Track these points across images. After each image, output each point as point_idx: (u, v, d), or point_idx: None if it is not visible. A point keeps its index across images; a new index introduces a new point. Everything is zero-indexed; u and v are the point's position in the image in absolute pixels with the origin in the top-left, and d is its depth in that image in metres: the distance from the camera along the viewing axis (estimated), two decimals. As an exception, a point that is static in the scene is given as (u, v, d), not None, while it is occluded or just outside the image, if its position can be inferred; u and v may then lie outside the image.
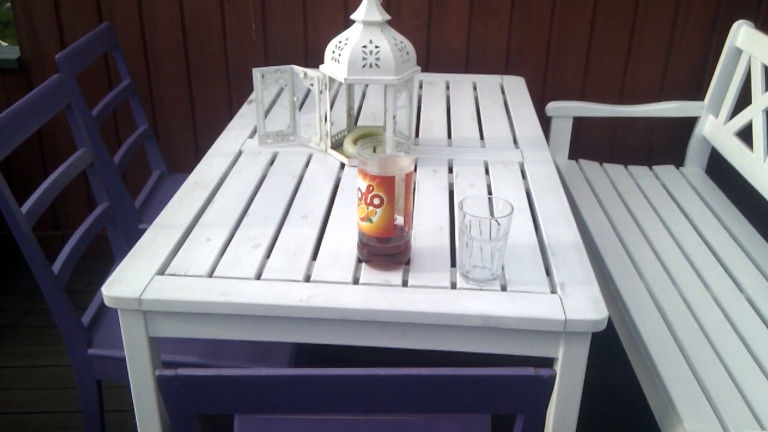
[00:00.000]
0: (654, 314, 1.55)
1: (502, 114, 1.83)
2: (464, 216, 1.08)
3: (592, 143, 2.38)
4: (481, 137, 1.70)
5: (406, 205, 1.12)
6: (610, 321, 1.62)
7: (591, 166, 2.25)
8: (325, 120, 1.54)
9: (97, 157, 1.74)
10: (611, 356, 1.86)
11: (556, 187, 1.44)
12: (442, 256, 1.20)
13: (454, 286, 1.12)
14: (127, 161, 1.86)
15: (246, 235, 1.25)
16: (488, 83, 2.06)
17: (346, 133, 1.63)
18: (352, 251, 1.19)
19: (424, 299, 1.08)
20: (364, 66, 1.43)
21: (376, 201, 1.10)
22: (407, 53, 1.47)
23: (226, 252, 1.20)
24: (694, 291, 1.62)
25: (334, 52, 1.47)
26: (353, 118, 1.65)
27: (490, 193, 1.43)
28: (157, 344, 1.17)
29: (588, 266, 1.17)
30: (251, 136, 1.66)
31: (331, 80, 1.49)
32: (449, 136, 1.70)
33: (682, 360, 1.41)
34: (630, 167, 2.25)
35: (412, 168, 1.11)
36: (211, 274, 1.14)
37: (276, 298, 1.08)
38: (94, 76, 2.25)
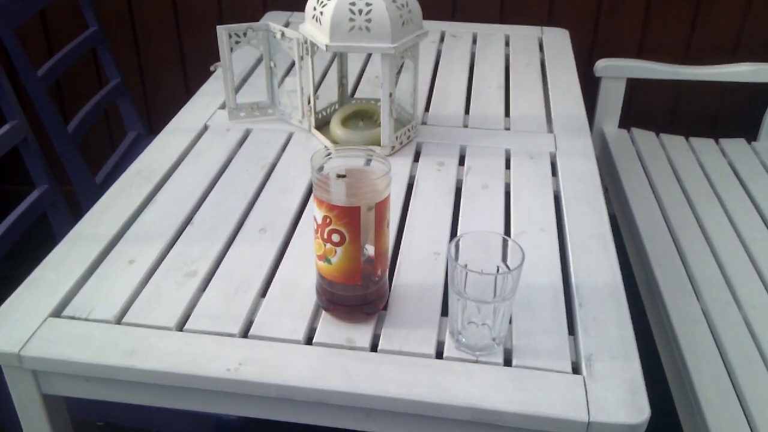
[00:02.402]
0: (712, 354, 1.23)
1: (537, 81, 1.48)
2: (457, 267, 0.78)
3: (648, 109, 2.01)
4: (507, 114, 1.36)
5: (379, 240, 0.81)
6: (657, 359, 1.31)
7: (645, 137, 1.89)
8: (309, 93, 1.23)
9: (48, 127, 1.47)
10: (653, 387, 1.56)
11: (595, 193, 1.11)
12: (431, 299, 0.90)
13: (440, 353, 0.82)
14: (88, 127, 1.58)
15: (181, 256, 0.97)
16: (524, 37, 1.70)
17: (337, 107, 1.32)
18: (312, 287, 0.89)
19: (395, 376, 0.79)
20: (351, 29, 1.10)
21: (336, 238, 0.80)
22: (409, 11, 1.13)
23: (150, 282, 0.92)
24: (763, 316, 1.30)
25: (315, 9, 1.14)
26: (346, 89, 1.33)
27: (507, 196, 1.11)
28: (60, 402, 0.91)
29: (628, 327, 0.86)
30: (223, 106, 1.36)
31: (314, 45, 1.17)
32: (467, 111, 1.37)
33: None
34: (692, 140, 1.88)
35: (388, 192, 0.80)
36: (120, 320, 0.86)
37: (195, 364, 0.80)
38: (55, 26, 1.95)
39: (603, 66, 1.85)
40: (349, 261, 0.81)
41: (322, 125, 1.28)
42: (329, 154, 0.81)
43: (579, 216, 1.06)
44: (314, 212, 0.80)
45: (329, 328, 0.85)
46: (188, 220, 1.05)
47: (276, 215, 1.06)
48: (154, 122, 2.12)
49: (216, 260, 0.97)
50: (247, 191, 1.11)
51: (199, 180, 1.14)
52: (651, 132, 1.91)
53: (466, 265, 0.77)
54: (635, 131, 1.91)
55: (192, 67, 2.06)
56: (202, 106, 1.36)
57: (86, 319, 0.86)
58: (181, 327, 0.85)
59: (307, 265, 0.94)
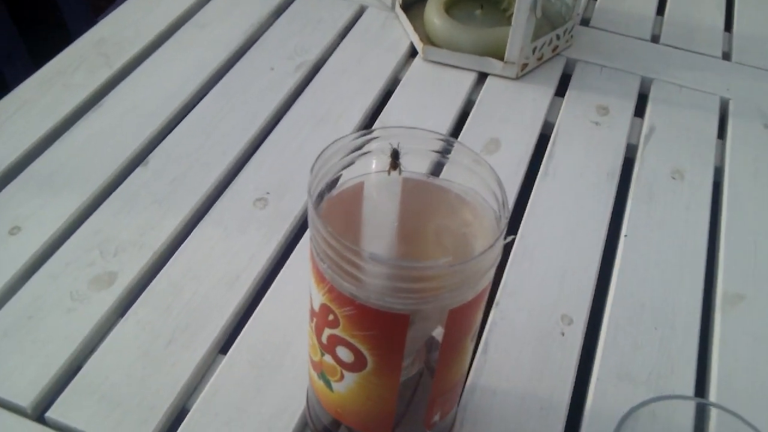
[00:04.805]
0: None
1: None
2: None
3: None
4: (728, 27, 0.80)
5: (446, 370, 0.35)
6: None
7: None
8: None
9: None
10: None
11: None
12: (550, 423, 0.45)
13: None
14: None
15: (101, 235, 0.53)
16: None
17: (444, -26, 0.79)
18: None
19: None
20: None
21: (345, 356, 0.34)
22: None
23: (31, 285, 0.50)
24: None
25: None
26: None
27: (716, 203, 0.60)
28: None
29: None
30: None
31: None
32: (660, 10, 0.82)
33: None
34: None
35: (488, 279, 0.32)
36: (-68, 375, 0.45)
37: None
38: None
39: None
40: (369, 400, 0.35)
41: (414, 4, 0.77)
42: (355, 151, 0.33)
43: None
44: (311, 292, 0.34)
45: (320, 481, 0.41)
46: (141, 156, 0.60)
47: (294, 170, 0.60)
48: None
49: (160, 255, 0.53)
50: (259, 111, 0.65)
51: (186, 75, 0.67)
52: None
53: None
54: None
55: None
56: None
57: None
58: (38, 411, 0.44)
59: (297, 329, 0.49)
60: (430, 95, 0.68)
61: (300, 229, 0.56)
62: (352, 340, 0.32)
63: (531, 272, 0.54)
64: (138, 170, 0.58)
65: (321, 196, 0.33)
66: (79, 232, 0.53)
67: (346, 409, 0.37)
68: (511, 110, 0.67)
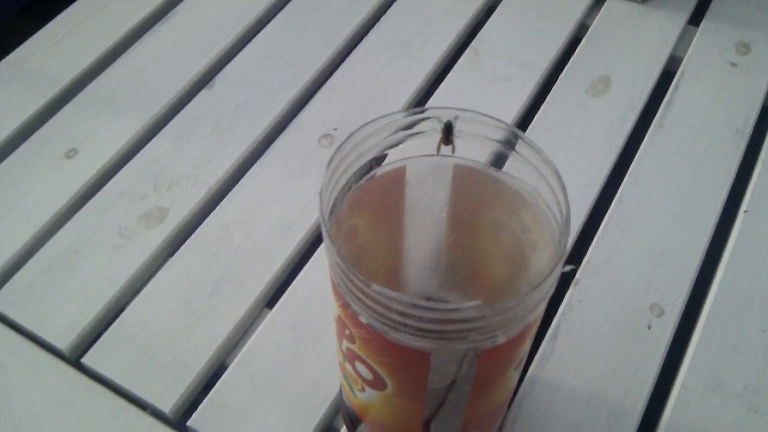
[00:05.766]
0: None
1: None
2: None
3: None
4: None
5: (477, 402, 0.30)
6: None
7: None
8: None
9: None
10: None
11: None
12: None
13: None
14: None
15: (156, 164, 0.50)
16: None
17: None
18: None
19: None
20: None
21: (365, 372, 0.29)
22: None
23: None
24: None
25: None
26: None
27: None
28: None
29: None
30: None
31: None
32: None
33: None
34: None
35: (539, 313, 0.26)
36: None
37: None
38: None
39: None
40: (392, 417, 0.31)
41: None
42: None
43: None
44: (334, 305, 0.29)
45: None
46: (208, 77, 0.56)
47: (366, 104, 0.54)
48: None
49: (215, 194, 0.49)
50: (335, 33, 0.58)
51: (241, 5, 0.61)
52: None
53: None
54: None
55: None
56: None
57: None
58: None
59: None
60: (535, 17, 0.59)
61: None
62: (369, 361, 0.28)
63: (622, 247, 0.47)
64: (202, 93, 0.54)
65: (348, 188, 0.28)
66: (135, 160, 0.51)
67: (369, 417, 0.33)
68: (631, 41, 0.57)
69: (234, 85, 0.55)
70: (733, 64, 0.56)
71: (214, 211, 0.48)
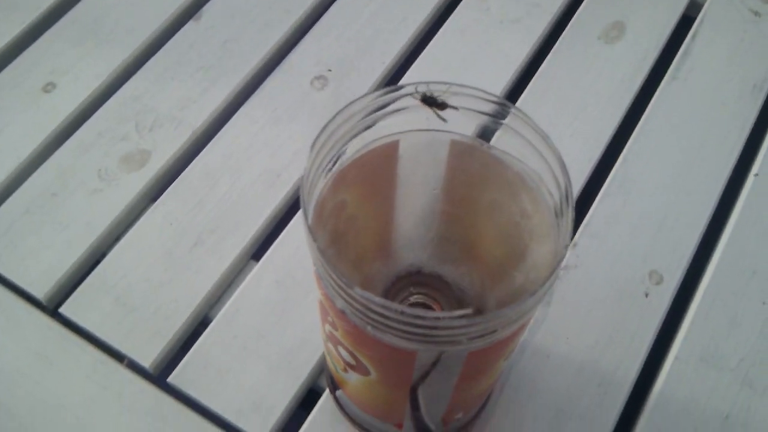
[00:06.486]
0: None
1: None
2: None
3: None
4: None
5: (461, 392, 0.28)
6: None
7: None
8: None
9: None
10: None
11: None
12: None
13: None
14: None
15: (134, 95, 0.47)
16: None
17: None
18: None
19: None
20: None
21: (347, 357, 0.28)
22: None
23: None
24: None
25: None
26: None
27: None
28: None
29: None
30: None
31: None
32: None
33: None
34: None
35: (531, 315, 0.25)
36: None
37: None
38: None
39: None
40: (375, 398, 0.30)
41: None
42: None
43: None
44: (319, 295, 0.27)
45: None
46: (195, 6, 0.52)
47: (364, 45, 0.50)
48: None
49: (199, 137, 0.47)
50: None
51: None
52: None
53: None
54: None
55: None
56: None
57: None
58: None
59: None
60: None
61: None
62: (351, 349, 0.26)
63: (624, 210, 0.45)
64: (189, 25, 0.51)
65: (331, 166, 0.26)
66: (117, 96, 0.48)
67: (351, 394, 0.32)
68: (648, -17, 0.54)
69: (222, 17, 0.51)
70: (757, 13, 0.52)
71: (198, 156, 0.46)
